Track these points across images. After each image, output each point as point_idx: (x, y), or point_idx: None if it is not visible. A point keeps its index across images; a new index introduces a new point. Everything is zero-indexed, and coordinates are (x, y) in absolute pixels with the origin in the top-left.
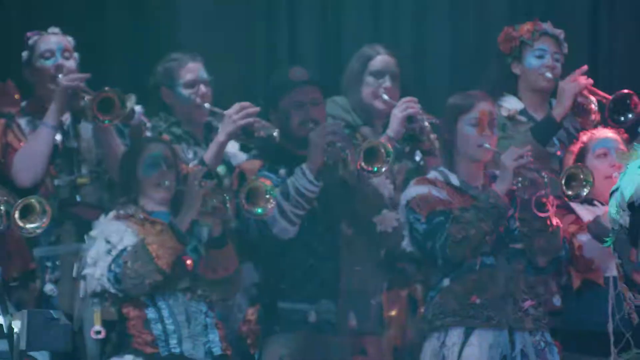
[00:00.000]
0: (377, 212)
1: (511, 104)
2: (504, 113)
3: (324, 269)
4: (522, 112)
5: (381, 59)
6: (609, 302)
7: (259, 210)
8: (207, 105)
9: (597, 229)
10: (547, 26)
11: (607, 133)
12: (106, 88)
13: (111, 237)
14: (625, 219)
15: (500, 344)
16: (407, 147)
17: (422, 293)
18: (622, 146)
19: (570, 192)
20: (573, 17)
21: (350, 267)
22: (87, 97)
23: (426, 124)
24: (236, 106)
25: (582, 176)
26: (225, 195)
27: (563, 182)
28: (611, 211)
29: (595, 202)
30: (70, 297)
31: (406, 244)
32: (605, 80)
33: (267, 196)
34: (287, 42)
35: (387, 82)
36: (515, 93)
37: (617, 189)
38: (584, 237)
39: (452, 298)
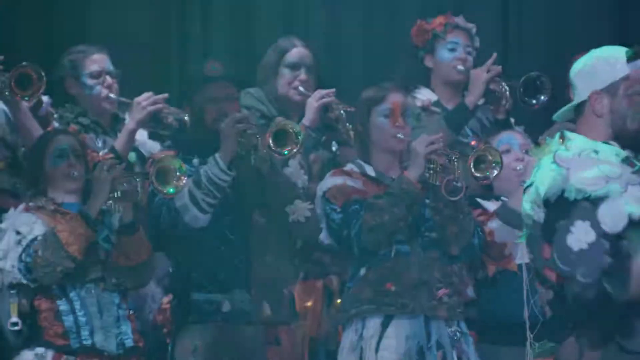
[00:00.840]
0: (290, 202)
1: (425, 95)
2: (419, 104)
3: (235, 258)
4: (436, 103)
5: (297, 51)
6: (523, 288)
7: (171, 190)
8: (113, 95)
9: (505, 213)
10: (459, 20)
11: (509, 132)
12: (24, 63)
13: (21, 228)
14: (539, 216)
15: (417, 334)
16: (323, 137)
17: (337, 284)
18: (523, 142)
19: (478, 174)
20: (484, 10)
21: (262, 257)
22: (4, 76)
23: (342, 112)
24: (145, 94)
25: (490, 157)
26: (135, 178)
27: (471, 164)
28: (525, 207)
29: (503, 198)
30: None
31: (324, 237)
32: (516, 68)
33: (178, 174)
34: (200, 34)
35: (302, 75)
36: (428, 86)
37: (531, 185)
38: (494, 224)
39: (368, 286)
